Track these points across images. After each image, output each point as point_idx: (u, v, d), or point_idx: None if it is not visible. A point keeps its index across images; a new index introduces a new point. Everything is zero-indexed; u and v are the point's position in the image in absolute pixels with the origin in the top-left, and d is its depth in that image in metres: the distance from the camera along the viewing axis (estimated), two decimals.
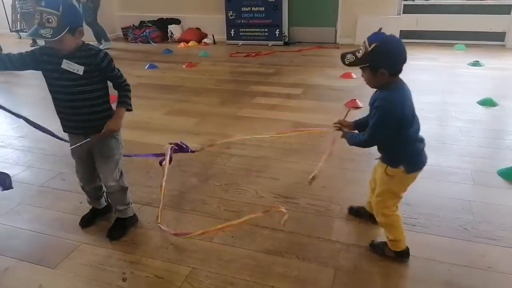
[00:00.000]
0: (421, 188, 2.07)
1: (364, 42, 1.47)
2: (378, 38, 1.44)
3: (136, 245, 1.85)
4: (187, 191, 2.31)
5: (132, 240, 1.89)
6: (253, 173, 2.47)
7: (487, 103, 3.50)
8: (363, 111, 3.33)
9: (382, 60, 1.44)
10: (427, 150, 1.61)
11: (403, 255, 1.69)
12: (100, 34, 6.71)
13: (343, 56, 1.57)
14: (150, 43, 7.26)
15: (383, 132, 1.51)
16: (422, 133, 1.59)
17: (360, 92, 3.86)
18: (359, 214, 2.00)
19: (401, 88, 1.52)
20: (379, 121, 1.48)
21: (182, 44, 6.96)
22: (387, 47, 1.44)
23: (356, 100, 3.62)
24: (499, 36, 6.00)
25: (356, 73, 4.68)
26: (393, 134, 1.50)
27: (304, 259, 1.72)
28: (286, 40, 6.77)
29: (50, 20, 1.47)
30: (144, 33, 7.39)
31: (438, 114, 3.45)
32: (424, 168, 1.60)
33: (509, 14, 5.86)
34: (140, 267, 1.70)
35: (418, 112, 1.57)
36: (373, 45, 1.43)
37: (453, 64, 5.07)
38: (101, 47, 6.70)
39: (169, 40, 7.52)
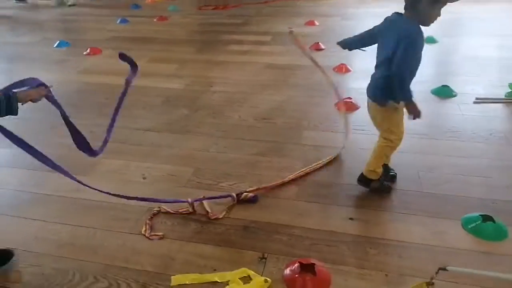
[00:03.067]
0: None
1: None
2: None
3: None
4: (180, 119, 2.74)
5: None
6: (235, 104, 2.93)
7: (429, 40, 4.06)
8: (326, 53, 3.87)
9: None
10: None
11: (387, 190, 1.90)
12: None
13: None
14: None
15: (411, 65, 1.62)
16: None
17: (322, 37, 4.33)
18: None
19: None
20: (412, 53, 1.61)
21: None
22: None
23: (319, 43, 4.08)
24: None
25: (319, 20, 5.12)
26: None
27: (282, 156, 2.24)
28: None
29: None
30: None
31: None
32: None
33: None
34: (155, 170, 2.15)
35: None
36: None
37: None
38: (68, 3, 6.67)
39: None
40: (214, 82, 3.34)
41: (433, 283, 0.86)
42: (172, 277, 1.48)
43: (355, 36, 1.96)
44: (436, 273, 0.86)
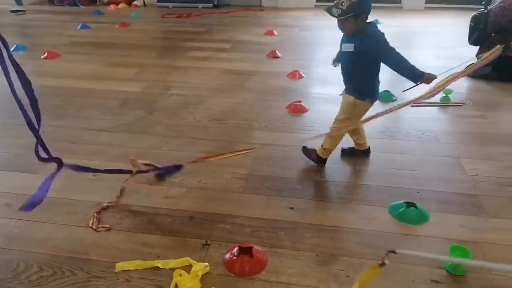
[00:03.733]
0: None
1: None
2: None
3: None
4: (135, 121, 2.80)
5: None
6: (191, 106, 3.02)
7: None
8: (282, 61, 4.06)
9: (363, 7, 1.83)
10: None
11: (323, 162, 2.19)
12: None
13: (328, 10, 1.87)
14: (77, 5, 7.18)
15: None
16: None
17: (279, 45, 4.54)
18: (352, 153, 2.30)
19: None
20: (387, 46, 1.89)
21: (112, 6, 7.02)
22: None
23: (276, 51, 4.27)
24: None
25: (278, 30, 5.34)
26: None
27: (234, 152, 2.36)
28: (215, 2, 7.16)
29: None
30: None
31: None
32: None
33: None
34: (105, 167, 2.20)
35: None
36: None
37: None
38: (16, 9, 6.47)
39: (97, 2, 7.49)
40: (172, 86, 3.43)
41: (384, 264, 0.98)
42: (117, 264, 1.54)
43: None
44: (386, 254, 0.97)
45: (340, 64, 2.10)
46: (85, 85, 3.42)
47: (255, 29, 5.49)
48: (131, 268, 1.53)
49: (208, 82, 3.54)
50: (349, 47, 1.95)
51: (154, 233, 1.72)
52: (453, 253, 1.50)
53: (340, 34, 2.05)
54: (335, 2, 1.87)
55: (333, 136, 2.11)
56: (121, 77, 3.65)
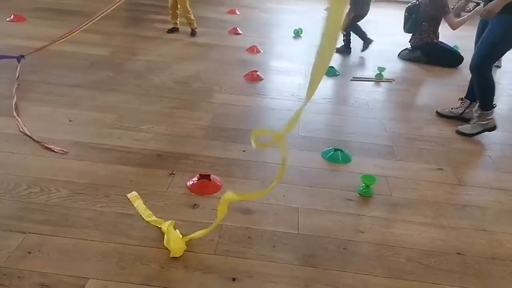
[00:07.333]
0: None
1: None
2: None
3: None
4: (104, 79, 3.04)
5: None
6: (157, 70, 3.31)
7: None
8: (242, 37, 4.40)
9: None
10: None
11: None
12: None
13: None
14: None
15: None
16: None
17: (240, 24, 4.88)
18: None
19: None
20: None
21: None
22: None
23: (237, 28, 4.62)
24: None
25: (240, 10, 5.66)
26: None
27: (194, 110, 2.70)
28: None
29: None
30: None
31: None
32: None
33: None
34: (80, 115, 2.47)
35: None
36: None
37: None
38: None
39: None
40: (138, 52, 3.67)
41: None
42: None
43: None
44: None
45: None
46: (54, 47, 3.55)
47: (219, 8, 5.76)
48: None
49: (173, 51, 3.82)
50: None
51: (127, 165, 2.05)
52: (364, 179, 1.97)
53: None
54: None
55: None
56: (88, 41, 3.81)
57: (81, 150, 2.13)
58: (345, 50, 4.18)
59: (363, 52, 4.20)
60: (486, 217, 1.90)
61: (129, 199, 1.78)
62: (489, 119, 2.59)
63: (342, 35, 4.10)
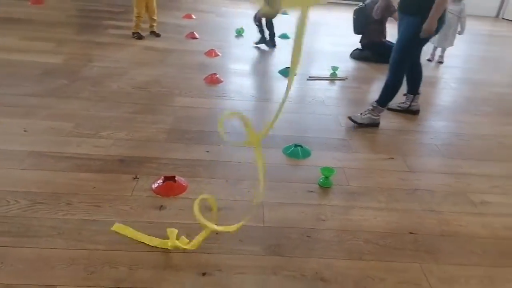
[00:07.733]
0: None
1: None
2: None
3: None
4: (59, 88, 2.96)
5: None
6: (114, 76, 3.27)
7: (283, 36, 4.96)
8: (200, 41, 4.43)
9: None
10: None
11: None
12: None
13: None
14: None
15: None
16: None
17: (197, 28, 4.92)
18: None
19: None
20: None
21: None
22: None
23: (194, 32, 4.64)
24: None
25: (196, 15, 5.69)
26: None
27: (155, 114, 2.70)
28: None
29: None
30: None
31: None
32: None
33: None
34: (35, 125, 2.40)
35: None
36: None
37: None
38: None
39: None
40: (94, 59, 3.61)
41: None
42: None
43: None
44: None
45: None
46: (2, 56, 3.42)
47: (175, 13, 5.76)
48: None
49: (130, 57, 3.79)
50: None
51: (88, 172, 2.02)
52: (323, 171, 2.08)
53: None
54: None
55: None
56: (39, 50, 3.69)
57: (39, 159, 2.08)
58: (263, 41, 4.39)
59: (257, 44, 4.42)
60: (435, 199, 2.07)
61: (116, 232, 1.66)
62: (379, 115, 2.77)
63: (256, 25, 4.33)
